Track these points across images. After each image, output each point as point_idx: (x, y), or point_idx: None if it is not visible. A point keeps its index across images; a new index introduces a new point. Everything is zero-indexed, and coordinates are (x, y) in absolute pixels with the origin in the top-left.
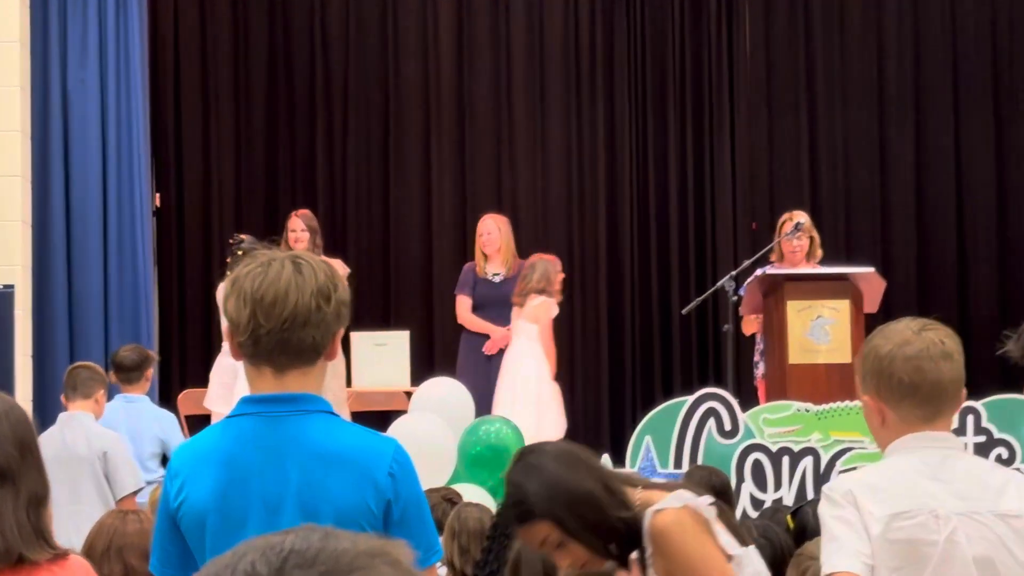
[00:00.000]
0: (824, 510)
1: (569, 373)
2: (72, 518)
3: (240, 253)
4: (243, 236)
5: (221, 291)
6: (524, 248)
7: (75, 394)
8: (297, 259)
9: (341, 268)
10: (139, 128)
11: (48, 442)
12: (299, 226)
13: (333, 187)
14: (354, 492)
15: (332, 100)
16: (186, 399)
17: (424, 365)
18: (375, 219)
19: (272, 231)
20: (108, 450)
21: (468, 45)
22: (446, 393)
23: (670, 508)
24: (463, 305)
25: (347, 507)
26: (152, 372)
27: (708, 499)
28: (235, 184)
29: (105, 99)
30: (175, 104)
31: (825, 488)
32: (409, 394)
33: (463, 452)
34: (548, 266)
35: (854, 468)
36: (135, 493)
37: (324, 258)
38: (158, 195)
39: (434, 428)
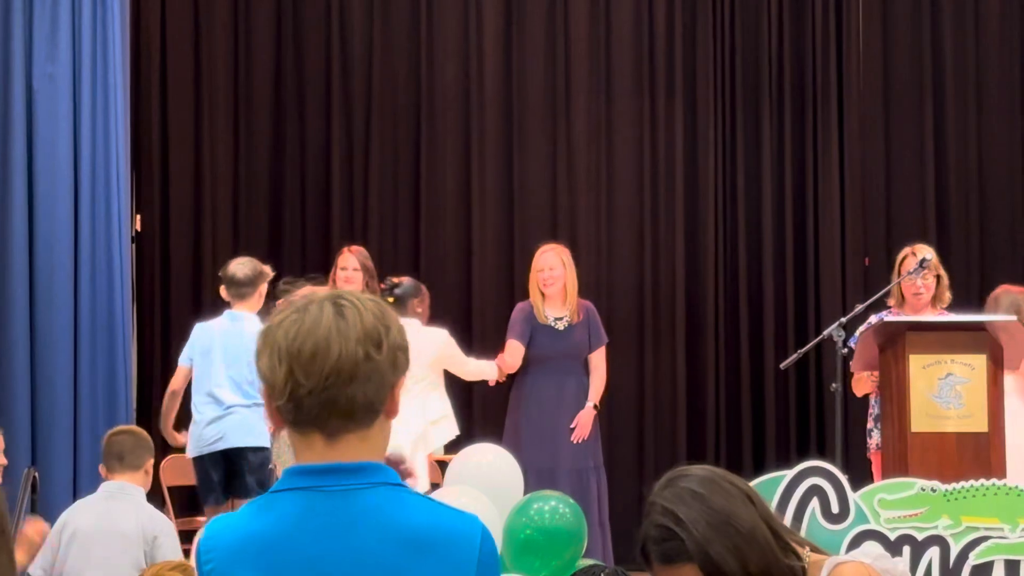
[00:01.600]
0: None
1: (638, 439)
2: None
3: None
4: (397, 279)
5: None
6: (583, 287)
7: (121, 465)
8: (339, 300)
9: None
10: (118, 135)
11: (85, 511)
12: (351, 263)
13: (352, 211)
14: None
15: (352, 107)
16: (172, 467)
17: (463, 427)
18: (402, 251)
19: (275, 259)
20: (160, 535)
21: (517, 40)
22: (491, 463)
23: (856, 563)
24: (515, 354)
25: None
26: (265, 288)
27: (902, 562)
28: (232, 204)
29: (78, 98)
30: (161, 107)
31: None
32: (444, 464)
33: (510, 536)
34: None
35: (991, 561)
36: None
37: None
38: (139, 216)
39: (476, 506)
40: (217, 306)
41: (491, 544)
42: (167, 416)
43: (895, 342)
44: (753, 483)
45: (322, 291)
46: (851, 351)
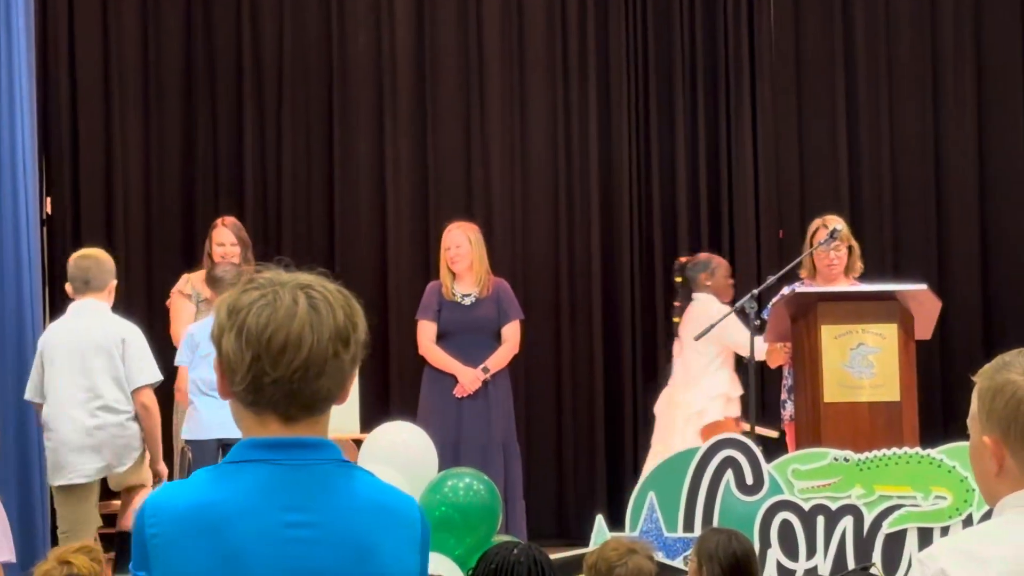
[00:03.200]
0: None
1: (557, 414)
2: (84, 407)
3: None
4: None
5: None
6: (498, 264)
7: (87, 287)
8: (310, 290)
9: None
10: (24, 115)
11: (59, 330)
12: (227, 238)
13: (265, 188)
14: (408, 555)
15: (263, 82)
16: None
17: (377, 407)
18: (316, 228)
19: (188, 240)
20: (127, 337)
21: (430, 15)
22: (404, 441)
23: None
24: (426, 333)
25: (396, 572)
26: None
27: None
28: (144, 184)
29: None
30: (70, 87)
31: (916, 560)
32: (359, 442)
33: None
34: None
35: (904, 530)
36: (151, 386)
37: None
38: (48, 199)
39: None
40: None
41: (428, 523)
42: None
43: (807, 313)
44: (666, 457)
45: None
46: (764, 323)
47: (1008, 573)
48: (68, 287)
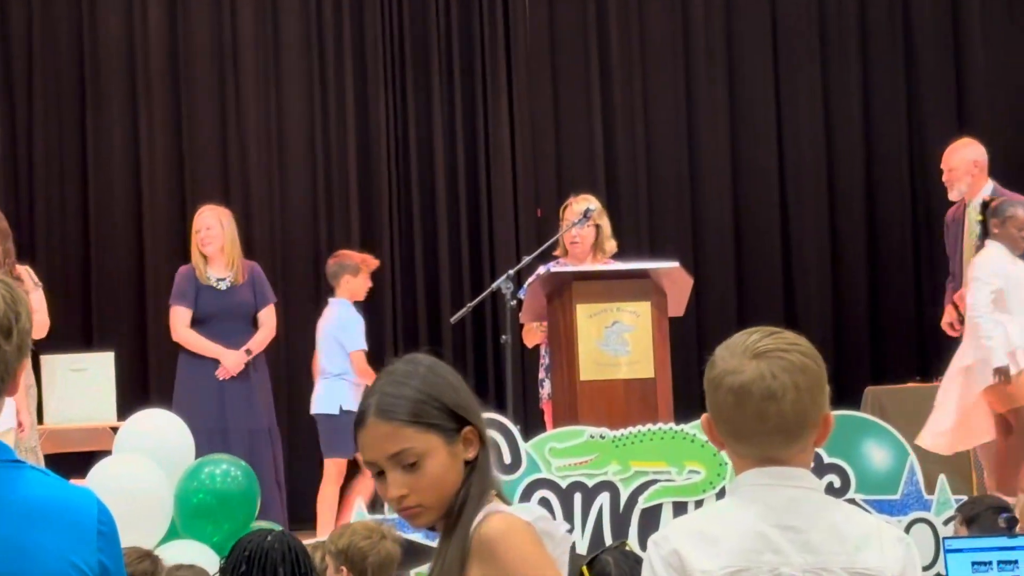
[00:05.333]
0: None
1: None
2: None
3: None
4: None
5: None
6: (258, 248)
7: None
8: None
9: (29, 279)
10: None
11: None
12: None
13: (16, 174)
14: (78, 552)
15: (13, 69)
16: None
17: (134, 394)
18: (70, 214)
19: None
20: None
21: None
22: (160, 428)
23: (506, 515)
24: (180, 319)
25: (58, 572)
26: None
27: (564, 525)
28: None
29: None
30: None
31: (650, 541)
32: (115, 430)
33: (181, 501)
34: None
35: (659, 504)
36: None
37: (8, 277)
38: None
39: (145, 472)
40: None
41: (108, 514)
42: None
43: (562, 292)
44: None
45: None
46: (520, 303)
47: (737, 551)
48: None
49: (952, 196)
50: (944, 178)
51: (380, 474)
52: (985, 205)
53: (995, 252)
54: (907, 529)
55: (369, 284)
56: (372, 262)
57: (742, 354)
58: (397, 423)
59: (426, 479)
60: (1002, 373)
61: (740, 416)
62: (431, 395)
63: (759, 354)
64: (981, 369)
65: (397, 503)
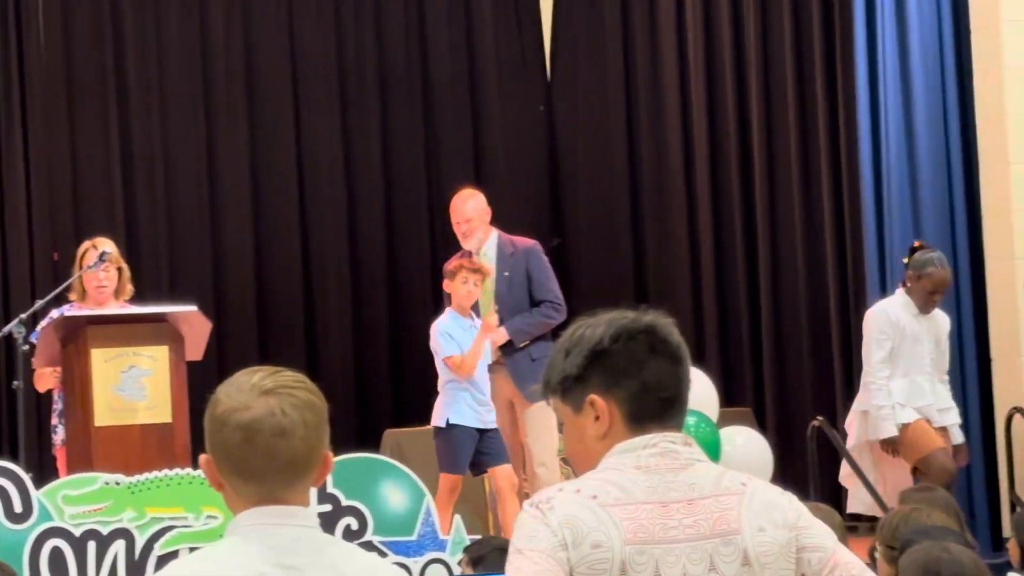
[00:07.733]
0: None
1: None
2: None
3: None
4: None
5: None
6: None
7: None
8: None
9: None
10: None
11: None
12: None
13: None
14: None
15: None
16: None
17: None
18: None
19: None
20: None
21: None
22: None
23: None
24: None
25: None
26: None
27: None
28: None
29: None
30: None
31: None
32: None
33: None
34: None
35: (176, 550)
36: None
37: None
38: None
39: None
40: None
41: None
42: None
43: (76, 336)
44: None
45: None
46: (33, 347)
47: None
48: None
49: (470, 245)
50: (460, 229)
51: None
52: (913, 250)
53: (891, 307)
54: (423, 569)
55: None
56: None
57: (249, 391)
58: None
59: None
60: (890, 445)
61: (248, 454)
62: None
63: (267, 391)
64: (875, 427)
65: None
